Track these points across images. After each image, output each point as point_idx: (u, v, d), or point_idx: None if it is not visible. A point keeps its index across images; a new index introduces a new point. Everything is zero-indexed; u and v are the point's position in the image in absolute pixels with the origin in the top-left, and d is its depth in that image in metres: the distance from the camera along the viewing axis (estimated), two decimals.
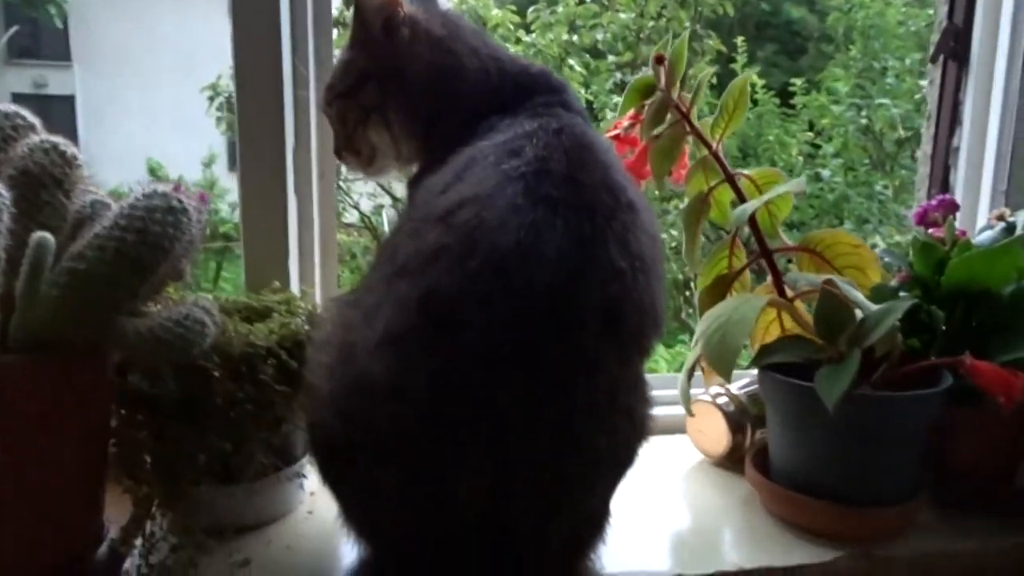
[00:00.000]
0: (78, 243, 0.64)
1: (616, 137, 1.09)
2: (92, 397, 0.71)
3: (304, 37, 1.03)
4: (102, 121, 9.23)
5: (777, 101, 5.59)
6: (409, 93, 0.86)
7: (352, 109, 0.88)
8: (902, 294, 0.96)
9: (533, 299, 0.64)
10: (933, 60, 1.26)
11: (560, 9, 4.48)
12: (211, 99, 4.32)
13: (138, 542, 0.77)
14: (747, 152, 5.43)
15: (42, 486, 0.67)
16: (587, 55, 4.69)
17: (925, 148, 1.45)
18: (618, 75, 4.87)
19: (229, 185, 7.43)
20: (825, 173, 5.19)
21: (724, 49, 5.05)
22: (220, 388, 0.76)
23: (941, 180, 1.28)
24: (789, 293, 1.01)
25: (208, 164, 7.94)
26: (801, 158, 5.31)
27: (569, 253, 0.66)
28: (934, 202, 1.07)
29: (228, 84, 4.34)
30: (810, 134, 5.52)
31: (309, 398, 0.74)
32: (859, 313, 0.89)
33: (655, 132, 1.06)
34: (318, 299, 1.03)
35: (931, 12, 5.97)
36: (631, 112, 1.08)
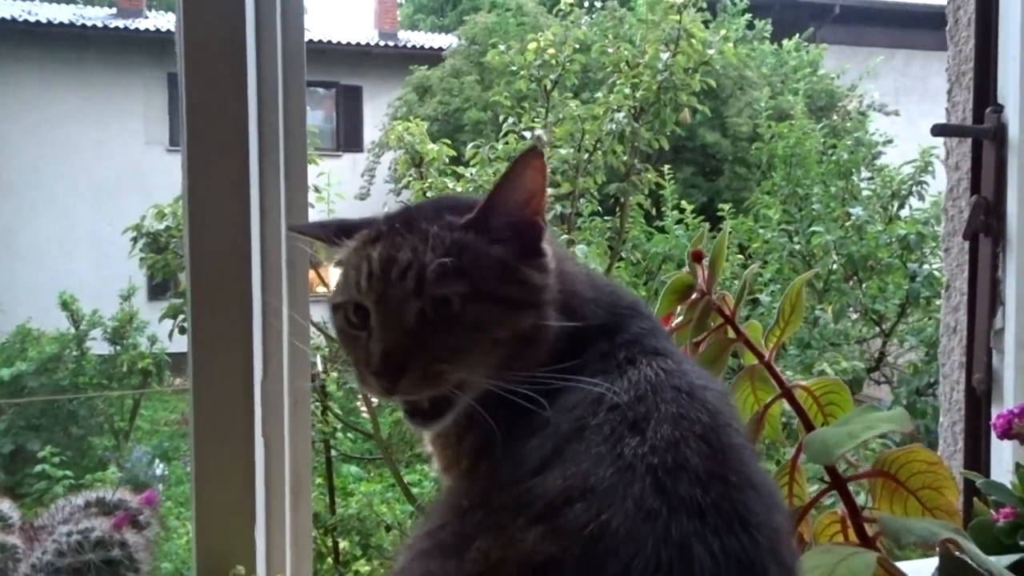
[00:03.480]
0: None
1: None
2: None
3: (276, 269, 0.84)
4: (13, 250, 8.85)
5: (708, 225, 5.66)
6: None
7: (502, 320, 0.65)
8: (1021, 541, 0.79)
9: None
10: (966, 237, 1.17)
11: (500, 147, 4.45)
12: (134, 240, 4.05)
13: None
14: (681, 263, 5.40)
15: None
16: None
17: (947, 320, 1.34)
18: (558, 207, 4.86)
19: (148, 316, 7.07)
20: (765, 298, 5.22)
21: (662, 181, 5.11)
22: None
23: (985, 365, 1.16)
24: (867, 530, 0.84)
25: (127, 297, 7.61)
26: (737, 282, 5.33)
27: None
28: (1016, 409, 0.93)
29: (152, 224, 4.09)
30: (740, 256, 5.59)
31: None
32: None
33: (698, 339, 0.91)
34: None
35: (848, 143, 6.29)
36: (665, 315, 0.94)
